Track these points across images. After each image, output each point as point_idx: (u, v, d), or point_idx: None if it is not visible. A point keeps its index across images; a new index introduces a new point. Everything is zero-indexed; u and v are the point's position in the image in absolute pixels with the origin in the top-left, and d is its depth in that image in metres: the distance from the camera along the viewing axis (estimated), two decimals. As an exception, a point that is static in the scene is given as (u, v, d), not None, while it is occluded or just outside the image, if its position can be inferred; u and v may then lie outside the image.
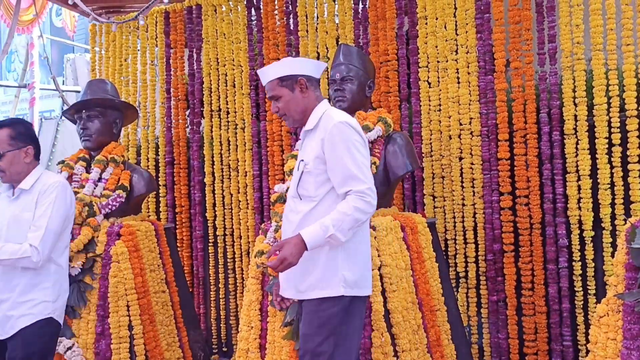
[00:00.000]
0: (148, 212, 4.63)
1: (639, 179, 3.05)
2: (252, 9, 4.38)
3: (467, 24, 3.55)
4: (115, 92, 3.80)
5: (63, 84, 10.24)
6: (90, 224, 3.27)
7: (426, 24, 3.68)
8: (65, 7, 5.28)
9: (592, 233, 3.21)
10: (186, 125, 4.66)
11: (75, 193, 3.39)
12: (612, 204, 3.14)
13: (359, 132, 2.23)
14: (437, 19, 3.65)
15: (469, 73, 3.56)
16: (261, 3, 4.33)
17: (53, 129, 9.01)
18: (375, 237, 2.69)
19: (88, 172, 3.51)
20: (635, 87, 3.07)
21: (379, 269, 2.66)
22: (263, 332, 2.87)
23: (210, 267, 4.48)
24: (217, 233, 4.43)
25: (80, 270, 3.17)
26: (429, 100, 3.69)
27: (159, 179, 4.62)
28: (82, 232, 3.23)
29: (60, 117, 9.22)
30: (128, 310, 3.19)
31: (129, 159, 4.59)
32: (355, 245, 2.22)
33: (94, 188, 3.43)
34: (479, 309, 3.57)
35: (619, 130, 3.11)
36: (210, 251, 4.47)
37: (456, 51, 3.61)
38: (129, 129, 4.70)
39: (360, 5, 3.98)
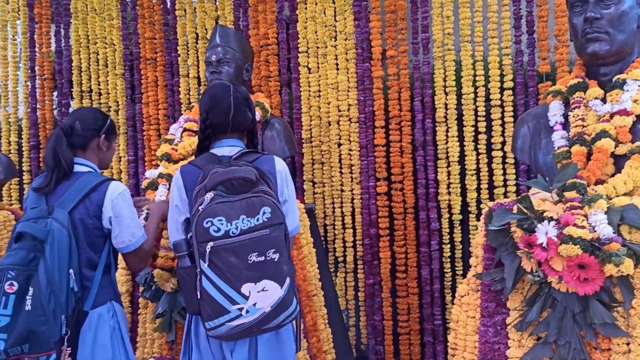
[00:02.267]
0: (10, 200, 4.27)
1: (501, 165, 3.24)
2: (126, -15, 4.15)
3: (345, 10, 3.58)
4: (-33, 68, 3.45)
5: None
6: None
7: (306, 9, 3.67)
8: None
9: (461, 217, 3.37)
10: (53, 107, 4.33)
11: None
12: (478, 189, 3.31)
13: None
14: (316, 4, 3.64)
15: (347, 60, 3.59)
16: (135, -22, 4.11)
17: None
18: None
19: None
20: (499, 77, 3.24)
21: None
22: (134, 326, 2.74)
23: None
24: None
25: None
26: (309, 86, 3.69)
27: (22, 165, 4.26)
28: None
29: None
30: None
31: (-14, 142, 4.20)
32: None
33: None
34: (356, 292, 3.65)
35: (484, 118, 3.28)
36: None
37: (335, 37, 3.62)
38: (-13, 109, 4.30)
39: (240, -13, 3.88)
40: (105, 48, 4.14)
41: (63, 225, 1.93)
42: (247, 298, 1.76)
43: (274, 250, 1.79)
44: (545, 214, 1.76)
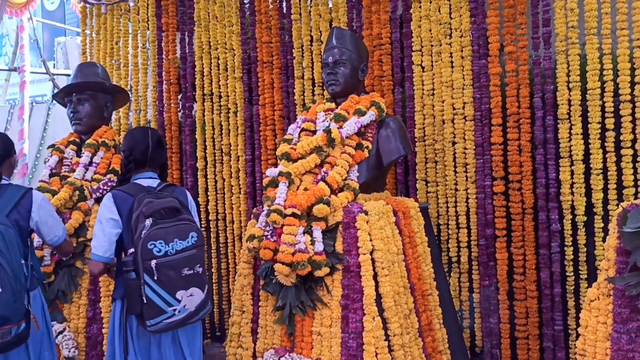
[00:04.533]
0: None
1: (631, 164, 3.05)
2: (245, -8, 4.34)
3: (461, 7, 3.52)
4: (106, 75, 3.77)
5: (54, 67, 10.15)
6: (81, 208, 3.25)
7: (420, 7, 3.65)
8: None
9: (585, 218, 3.21)
10: (178, 109, 4.62)
11: (66, 177, 3.37)
12: (605, 189, 3.14)
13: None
14: (431, 2, 3.62)
15: (462, 57, 3.54)
16: (253, -15, 4.29)
17: (44, 113, 8.96)
18: (367, 222, 2.68)
19: (79, 156, 3.49)
20: (629, 71, 3.06)
21: (371, 253, 2.65)
22: (255, 317, 2.87)
23: (202, 252, 4.47)
24: (210, 218, 4.41)
25: (71, 254, 3.16)
26: (422, 85, 3.67)
27: (151, 164, 4.58)
28: (72, 216, 3.21)
29: (51, 101, 9.15)
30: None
31: (120, 143, 4.56)
32: None
33: (85, 172, 3.40)
34: (471, 293, 3.58)
35: (612, 115, 3.10)
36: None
37: (450, 35, 3.58)
38: (121, 112, 4.67)
39: (354, -12, 3.94)
40: (225, 53, 4.36)
41: (7, 226, 2.41)
42: (179, 302, 2.37)
43: (199, 265, 2.43)
44: (689, 216, 1.65)
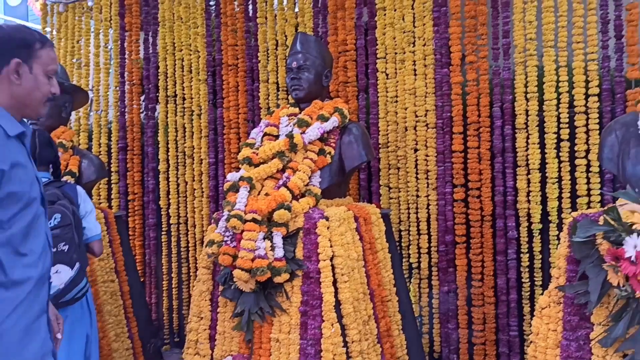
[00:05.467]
0: (99, 199, 4.53)
1: (585, 173, 3.14)
2: (211, -6, 4.31)
3: (424, 16, 3.57)
4: (65, 74, 3.69)
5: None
6: (36, 210, 3.17)
7: (385, 15, 3.68)
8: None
9: (540, 226, 3.29)
10: (140, 111, 4.56)
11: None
12: (559, 198, 3.22)
13: None
14: (395, 10, 3.66)
15: (425, 65, 3.58)
16: (219, -12, 4.27)
17: None
18: (328, 228, 2.69)
19: (35, 157, 3.41)
20: (584, 84, 3.14)
21: (331, 259, 2.66)
22: (213, 323, 2.85)
23: (163, 256, 4.42)
24: (171, 221, 4.36)
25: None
26: (386, 92, 3.70)
27: (111, 165, 4.52)
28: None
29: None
30: (75, 300, 3.12)
31: (79, 144, 4.48)
32: None
33: (41, 173, 3.33)
34: (431, 299, 3.62)
35: (567, 125, 3.18)
36: (163, 240, 4.41)
37: (413, 43, 3.62)
38: (81, 113, 4.58)
39: (320, -6, 3.96)
40: (190, 55, 4.32)
41: None
42: None
43: (64, 243, 2.49)
44: (634, 227, 1.71)
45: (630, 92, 3.06)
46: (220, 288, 2.79)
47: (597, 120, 3.11)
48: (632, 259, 1.65)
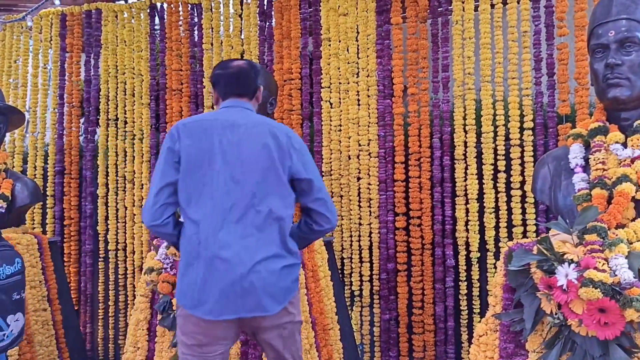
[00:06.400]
0: (33, 224, 4.34)
1: (520, 204, 3.25)
2: (156, 17, 4.28)
3: (368, 48, 3.66)
4: (0, 94, 3.55)
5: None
6: (-37, 235, 3.01)
7: (329, 45, 3.75)
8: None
9: (478, 254, 3.37)
10: (80, 134, 4.43)
11: (-52, 202, 3.13)
12: (497, 227, 3.32)
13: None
14: (340, 41, 3.73)
15: (368, 96, 3.66)
16: (165, 12, 4.24)
17: None
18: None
19: (-36, 179, 3.25)
20: (519, 117, 3.28)
21: (273, 287, 2.63)
22: (150, 353, 2.76)
23: (99, 284, 4.26)
24: (109, 248, 4.23)
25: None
26: (330, 120, 3.75)
27: (47, 189, 4.35)
28: (-47, 244, 2.97)
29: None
30: (2, 330, 2.96)
31: (13, 167, 4.30)
32: None
33: (-30, 197, 3.17)
34: (372, 327, 3.64)
35: (504, 157, 3.30)
36: (100, 267, 4.26)
37: (357, 74, 3.70)
38: (16, 134, 4.41)
39: (266, 23, 3.99)
40: (133, 78, 4.26)
41: None
42: (9, 326, 2.45)
43: (22, 290, 2.52)
44: (565, 256, 1.77)
45: (561, 126, 3.22)
46: (159, 317, 2.71)
47: (532, 153, 3.25)
48: (563, 287, 1.71)
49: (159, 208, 1.97)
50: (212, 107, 4.03)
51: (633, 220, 1.92)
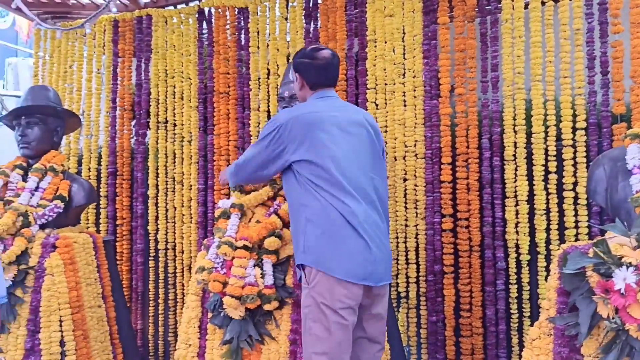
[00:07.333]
0: (87, 223, 4.49)
1: (572, 206, 3.18)
2: (204, 22, 4.36)
3: (414, 49, 3.64)
4: (57, 99, 3.69)
5: (3, 88, 9.88)
6: (24, 234, 3.14)
7: (375, 47, 3.75)
8: (9, 10, 5.10)
9: (529, 257, 3.31)
10: (131, 136, 4.56)
11: (10, 202, 3.27)
12: (547, 229, 3.25)
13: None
14: (386, 42, 3.72)
15: (415, 97, 3.64)
16: (213, 17, 4.32)
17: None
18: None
19: (25, 180, 3.39)
20: (571, 117, 3.21)
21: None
22: (201, 350, 2.82)
23: (150, 282, 4.38)
24: (159, 247, 4.33)
25: (12, 282, 3.04)
26: (376, 122, 3.74)
27: (100, 190, 4.50)
28: (15, 242, 3.10)
29: (-1, 122, 8.86)
30: (61, 326, 3.07)
31: (69, 169, 4.46)
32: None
33: (30, 197, 3.30)
34: (419, 329, 3.62)
35: (555, 158, 3.24)
36: (150, 265, 4.37)
37: (403, 75, 3.68)
38: (71, 137, 4.57)
39: (312, 25, 4.02)
40: (182, 82, 4.35)
41: None
42: None
43: None
44: (623, 259, 1.73)
45: (616, 126, 3.13)
46: (210, 315, 2.77)
47: (585, 154, 3.17)
48: (621, 291, 1.67)
49: None
50: (258, 110, 4.09)
51: (695, 222, 1.86)
